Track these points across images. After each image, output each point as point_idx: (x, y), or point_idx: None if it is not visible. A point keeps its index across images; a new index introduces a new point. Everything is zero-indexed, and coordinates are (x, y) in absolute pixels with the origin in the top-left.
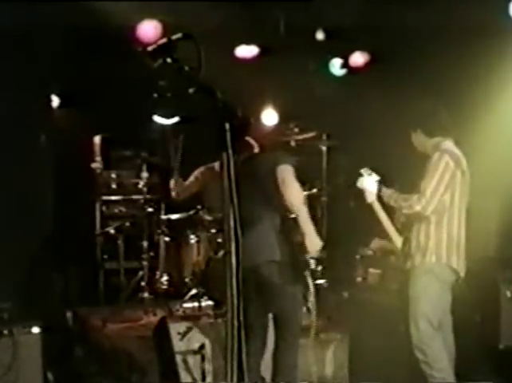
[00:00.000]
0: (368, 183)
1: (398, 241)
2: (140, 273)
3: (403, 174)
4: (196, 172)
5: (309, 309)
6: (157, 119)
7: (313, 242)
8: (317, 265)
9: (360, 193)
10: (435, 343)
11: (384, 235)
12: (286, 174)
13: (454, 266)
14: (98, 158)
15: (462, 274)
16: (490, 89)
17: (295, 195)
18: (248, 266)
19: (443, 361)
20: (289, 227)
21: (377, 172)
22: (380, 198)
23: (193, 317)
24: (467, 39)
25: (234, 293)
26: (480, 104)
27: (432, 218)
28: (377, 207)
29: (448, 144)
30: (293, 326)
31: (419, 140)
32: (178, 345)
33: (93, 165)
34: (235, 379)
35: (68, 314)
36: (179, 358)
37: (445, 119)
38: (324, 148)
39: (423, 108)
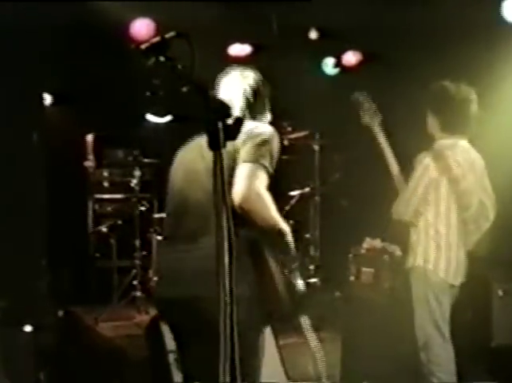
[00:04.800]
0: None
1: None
2: (133, 271)
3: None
4: None
5: None
6: (150, 117)
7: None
8: (309, 264)
9: (353, 192)
10: (439, 347)
11: (376, 235)
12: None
13: (440, 274)
14: (90, 156)
15: (451, 281)
16: (485, 87)
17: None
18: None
19: (447, 364)
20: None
21: (370, 172)
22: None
23: None
24: (460, 38)
25: (226, 296)
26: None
27: (419, 222)
28: (379, 133)
29: (445, 142)
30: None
31: (430, 123)
32: (170, 343)
33: (86, 163)
34: (228, 379)
35: (61, 313)
36: (171, 357)
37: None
38: (316, 147)
39: (441, 92)
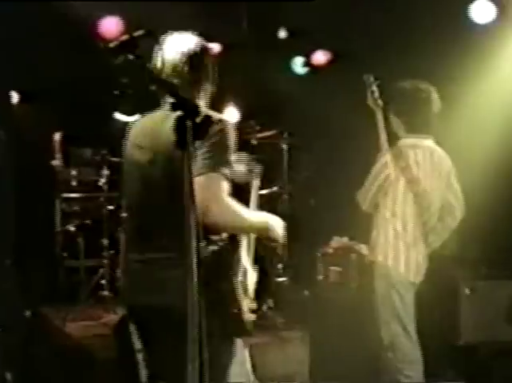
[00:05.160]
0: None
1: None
2: (101, 271)
3: (366, 173)
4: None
5: (270, 308)
6: (118, 116)
7: None
8: (278, 263)
9: (321, 191)
10: (406, 345)
11: (344, 233)
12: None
13: (401, 271)
14: (58, 155)
15: (412, 279)
16: (453, 88)
17: None
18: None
19: (414, 363)
20: None
21: (339, 171)
22: None
23: None
24: (429, 38)
25: (193, 292)
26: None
27: (378, 218)
28: (380, 117)
29: (407, 142)
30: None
31: (394, 123)
32: (139, 343)
33: (53, 162)
34: (196, 380)
35: (28, 313)
36: (140, 357)
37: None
38: (285, 146)
39: (410, 92)
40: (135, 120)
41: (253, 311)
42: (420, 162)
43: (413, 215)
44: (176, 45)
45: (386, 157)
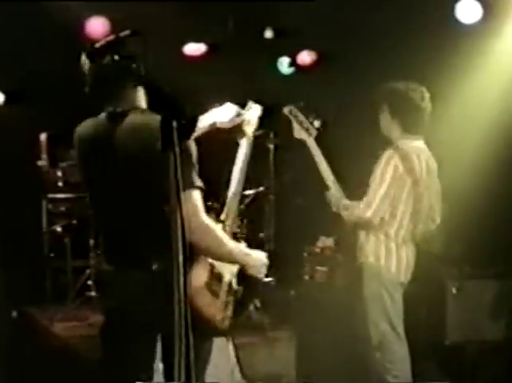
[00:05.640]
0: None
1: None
2: (88, 271)
3: (352, 172)
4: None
5: (257, 308)
6: None
7: None
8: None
9: (308, 191)
10: (394, 345)
11: (331, 233)
12: None
13: (392, 271)
14: (44, 156)
15: (402, 279)
16: (439, 88)
17: None
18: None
19: (402, 362)
20: None
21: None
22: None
23: None
24: (415, 38)
25: (181, 291)
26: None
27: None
28: (313, 147)
29: (408, 143)
30: None
31: (388, 124)
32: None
33: (39, 163)
34: (183, 378)
35: (14, 313)
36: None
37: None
38: (271, 146)
39: (406, 93)
40: (82, 126)
41: (230, 311)
42: (422, 163)
43: (408, 217)
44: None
45: (395, 160)
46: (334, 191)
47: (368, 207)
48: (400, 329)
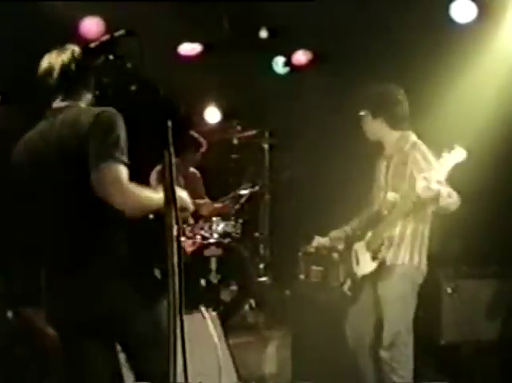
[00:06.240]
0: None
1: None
2: None
3: (347, 172)
4: (155, 175)
5: (252, 308)
6: None
7: None
8: (259, 263)
9: (303, 191)
10: (406, 347)
11: (326, 233)
12: None
13: (422, 267)
14: None
15: (425, 275)
16: (437, 85)
17: None
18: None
19: (409, 362)
20: None
21: (319, 171)
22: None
23: None
24: (411, 38)
25: (175, 291)
26: (427, 99)
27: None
28: None
29: (414, 137)
30: None
31: (376, 128)
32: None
33: None
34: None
35: (10, 314)
36: (122, 358)
37: (407, 109)
38: (266, 146)
39: (385, 94)
40: (24, 139)
41: None
42: (426, 153)
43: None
44: (53, 58)
45: (417, 141)
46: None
47: (438, 176)
48: (411, 328)
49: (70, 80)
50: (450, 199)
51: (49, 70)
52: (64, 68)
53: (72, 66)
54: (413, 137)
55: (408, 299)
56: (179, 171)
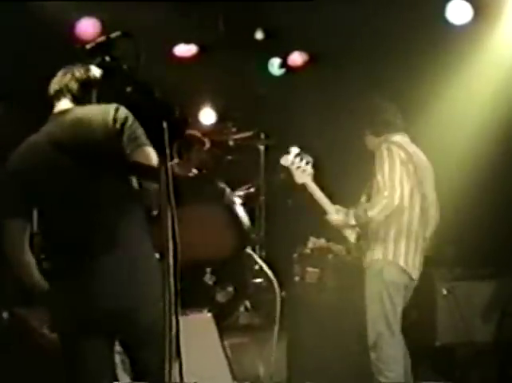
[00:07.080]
0: (296, 162)
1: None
2: None
3: (342, 173)
4: None
5: (247, 309)
6: None
7: None
8: (255, 264)
9: (299, 192)
10: (391, 348)
11: (321, 234)
12: None
13: (401, 263)
14: None
15: (413, 275)
16: (434, 86)
17: None
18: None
19: (396, 363)
20: None
21: (315, 171)
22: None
23: None
24: (406, 38)
25: (171, 292)
26: (423, 98)
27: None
28: (312, 187)
29: (397, 137)
30: None
31: (369, 140)
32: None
33: None
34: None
35: (5, 314)
36: (117, 359)
37: (393, 115)
38: (261, 147)
39: (367, 107)
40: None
41: None
42: (415, 152)
43: (418, 206)
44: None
45: (394, 149)
46: (334, 211)
47: (393, 194)
48: (397, 329)
49: (77, 100)
50: (369, 211)
51: (57, 93)
52: (70, 89)
53: (77, 86)
54: (394, 138)
55: (384, 298)
56: (185, 171)
